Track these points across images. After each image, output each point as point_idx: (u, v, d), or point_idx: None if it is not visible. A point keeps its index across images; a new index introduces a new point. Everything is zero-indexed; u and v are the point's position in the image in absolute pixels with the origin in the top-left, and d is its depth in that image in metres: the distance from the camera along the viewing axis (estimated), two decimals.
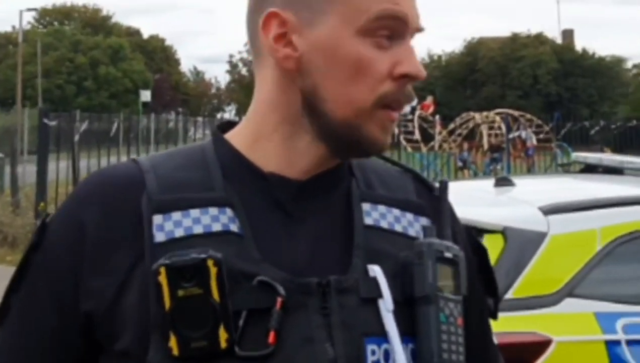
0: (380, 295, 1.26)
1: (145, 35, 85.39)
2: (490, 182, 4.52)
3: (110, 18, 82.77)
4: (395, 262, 1.30)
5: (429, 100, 34.38)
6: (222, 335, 1.17)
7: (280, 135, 1.31)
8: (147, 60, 76.87)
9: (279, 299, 1.20)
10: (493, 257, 3.36)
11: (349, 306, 1.24)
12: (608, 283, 3.48)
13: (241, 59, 72.44)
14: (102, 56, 70.53)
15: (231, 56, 79.72)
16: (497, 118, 29.18)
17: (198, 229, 1.23)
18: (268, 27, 1.28)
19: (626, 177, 4.78)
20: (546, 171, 20.11)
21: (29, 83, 60.99)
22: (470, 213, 3.70)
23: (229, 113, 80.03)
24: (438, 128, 29.51)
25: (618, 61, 75.72)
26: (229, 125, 1.40)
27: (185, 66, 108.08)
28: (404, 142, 24.82)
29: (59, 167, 14.23)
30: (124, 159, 10.40)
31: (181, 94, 78.10)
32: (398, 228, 1.35)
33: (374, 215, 1.34)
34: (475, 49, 76.07)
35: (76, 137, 14.77)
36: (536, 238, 3.43)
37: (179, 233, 1.22)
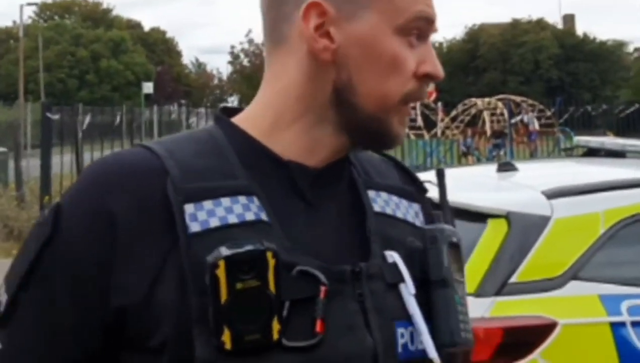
0: (402, 280, 1.30)
1: (146, 27, 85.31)
2: (493, 167, 4.53)
3: (111, 11, 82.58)
4: (404, 248, 1.34)
5: (431, 87, 34.25)
6: (275, 326, 1.16)
7: (301, 125, 1.31)
8: (148, 52, 76.74)
9: (323, 288, 1.21)
10: (497, 241, 3.39)
11: (377, 292, 1.28)
12: (612, 265, 3.49)
13: (242, 50, 72.13)
14: (104, 49, 70.48)
15: (232, 47, 79.52)
16: (500, 104, 29.10)
17: (232, 219, 1.21)
18: (308, 16, 1.28)
19: (628, 160, 4.78)
20: (549, 156, 20.09)
21: (31, 77, 60.86)
22: (474, 199, 3.72)
23: (231, 104, 79.75)
24: (440, 115, 29.45)
25: (619, 45, 75.48)
26: (229, 111, 1.39)
27: (187, 58, 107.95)
28: (406, 130, 24.73)
29: (62, 161, 14.24)
30: None
31: (183, 85, 77.89)
32: (400, 214, 1.39)
33: (380, 202, 1.38)
34: (476, 36, 75.83)
35: (79, 131, 14.77)
36: (540, 222, 3.44)
37: (214, 223, 1.20)
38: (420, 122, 28.56)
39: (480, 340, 3.08)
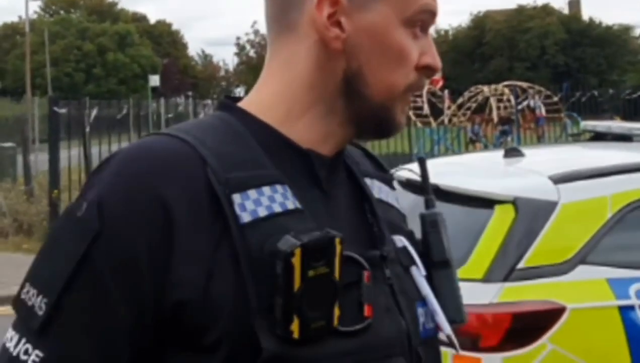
0: (414, 263, 1.37)
1: (152, 20, 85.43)
2: (500, 153, 4.53)
3: (116, 4, 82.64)
4: (403, 232, 1.41)
5: (438, 75, 34.19)
6: (336, 313, 1.18)
7: (313, 114, 1.32)
8: (154, 45, 76.75)
9: (366, 273, 1.25)
10: (504, 227, 3.40)
11: (399, 275, 1.34)
12: (620, 249, 3.50)
13: (248, 41, 72.15)
14: (110, 43, 70.51)
15: (238, 38, 79.55)
16: (506, 90, 29.05)
17: (277, 207, 1.20)
18: (321, 5, 1.29)
19: (635, 144, 4.76)
20: (556, 142, 20.06)
21: (38, 72, 60.92)
22: (481, 185, 3.73)
23: (238, 94, 79.13)
24: (447, 102, 29.40)
25: (625, 29, 75.17)
26: (233, 100, 1.39)
27: (193, 50, 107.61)
28: (413, 118, 24.72)
29: (70, 155, 14.25)
30: None
31: (190, 77, 77.91)
32: (390, 200, 1.45)
33: (375, 189, 1.43)
34: (482, 23, 75.65)
35: (87, 124, 14.79)
36: (547, 207, 3.45)
37: (262, 212, 1.18)
38: (427, 110, 28.50)
39: (489, 326, 3.10)
